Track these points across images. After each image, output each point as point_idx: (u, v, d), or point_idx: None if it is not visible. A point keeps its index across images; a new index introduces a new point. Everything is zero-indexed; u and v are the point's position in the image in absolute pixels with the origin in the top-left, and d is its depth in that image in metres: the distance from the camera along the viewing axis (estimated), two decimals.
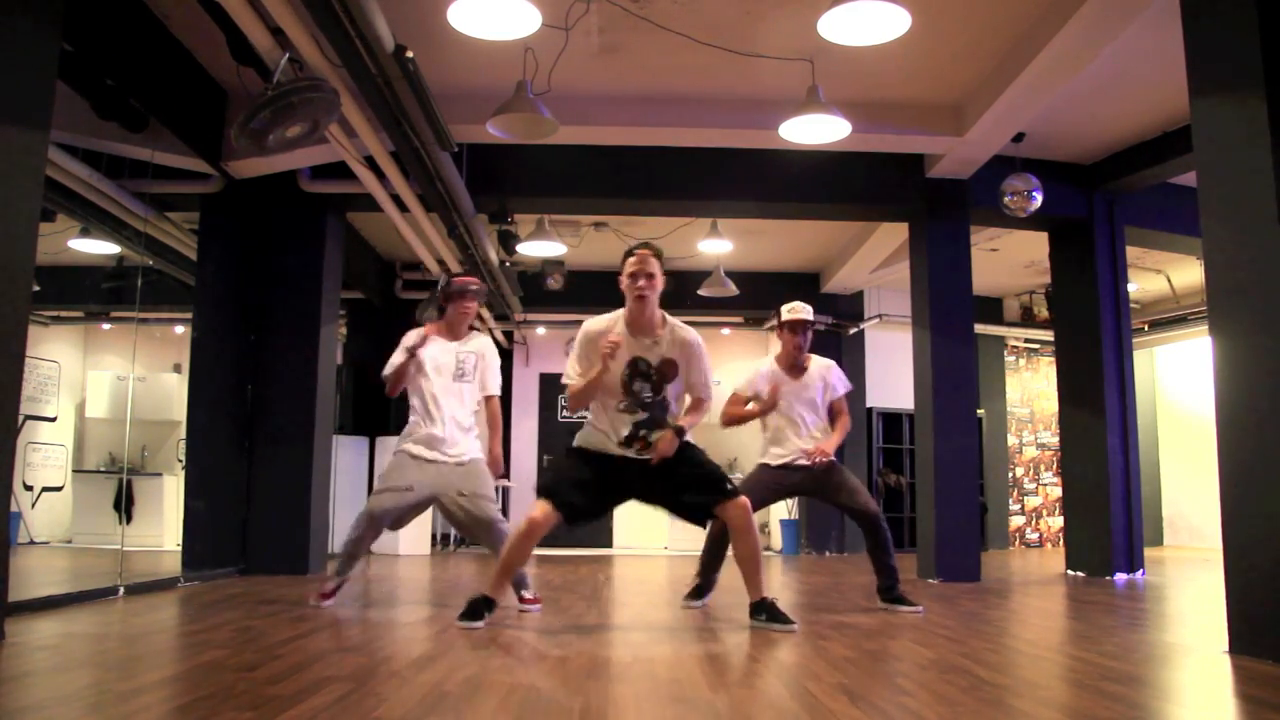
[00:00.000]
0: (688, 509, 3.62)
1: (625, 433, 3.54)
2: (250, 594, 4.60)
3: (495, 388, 4.28)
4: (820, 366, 4.53)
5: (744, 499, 3.57)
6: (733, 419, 4.50)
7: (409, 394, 4.21)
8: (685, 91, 5.51)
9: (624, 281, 3.53)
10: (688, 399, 3.71)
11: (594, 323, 3.61)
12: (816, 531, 9.31)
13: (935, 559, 6.09)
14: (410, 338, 4.16)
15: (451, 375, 4.17)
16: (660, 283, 3.54)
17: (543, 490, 3.55)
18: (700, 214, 7.09)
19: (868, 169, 6.33)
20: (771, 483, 4.43)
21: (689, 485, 3.57)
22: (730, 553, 3.81)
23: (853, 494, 4.36)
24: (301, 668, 2.59)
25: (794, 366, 4.48)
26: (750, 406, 4.51)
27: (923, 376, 6.40)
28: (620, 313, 3.59)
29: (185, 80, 5.01)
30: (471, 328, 4.37)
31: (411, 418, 4.19)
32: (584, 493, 3.54)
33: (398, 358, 4.13)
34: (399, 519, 4.17)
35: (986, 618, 4.11)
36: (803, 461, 4.35)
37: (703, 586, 4.45)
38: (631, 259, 3.54)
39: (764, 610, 3.58)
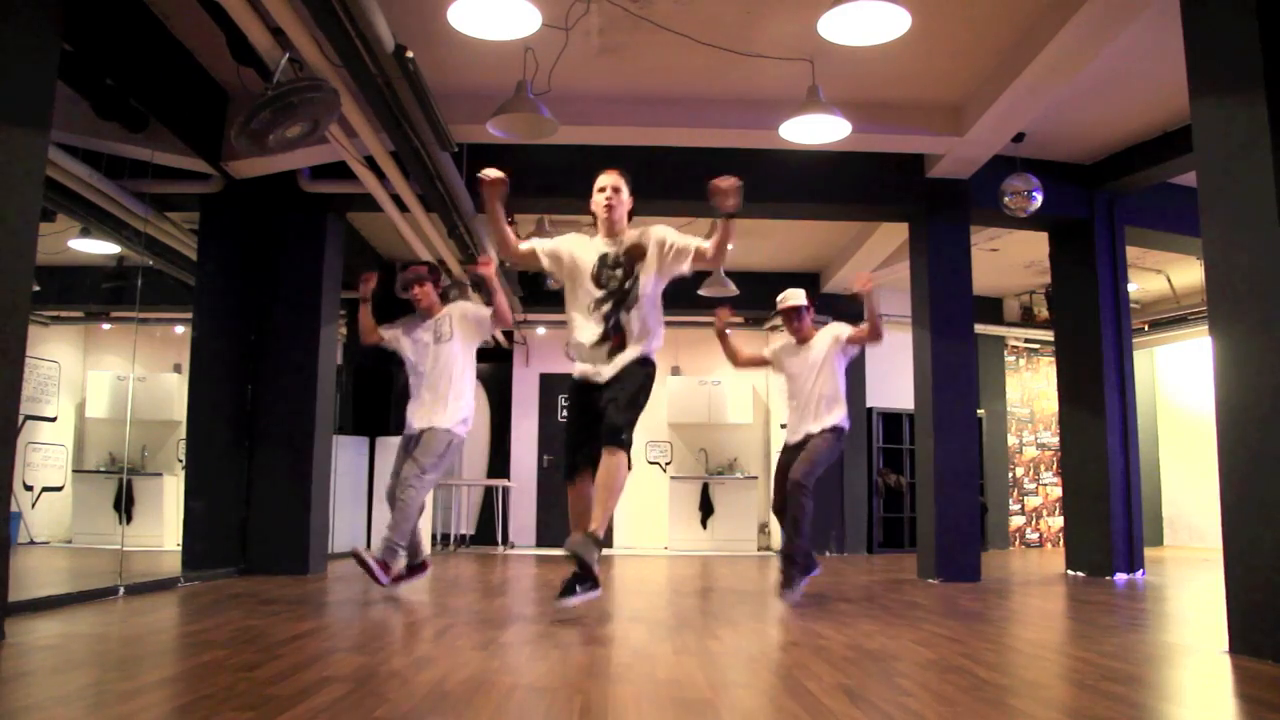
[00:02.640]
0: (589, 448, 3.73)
1: (599, 330, 3.64)
2: (250, 594, 4.60)
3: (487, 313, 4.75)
4: (826, 330, 4.89)
5: (619, 455, 3.55)
6: (742, 361, 5.06)
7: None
8: (685, 91, 5.51)
9: (594, 196, 3.78)
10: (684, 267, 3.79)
11: (569, 235, 3.88)
12: (816, 531, 9.28)
13: (935, 559, 6.09)
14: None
15: (432, 341, 4.71)
16: (627, 199, 3.78)
17: (563, 477, 3.85)
18: (700, 214, 7.08)
19: (868, 169, 6.33)
20: (790, 464, 4.75)
21: (604, 413, 3.64)
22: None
23: (799, 462, 4.65)
24: (301, 668, 2.59)
25: (800, 339, 4.90)
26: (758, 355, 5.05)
27: (923, 376, 6.40)
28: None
29: (185, 80, 5.01)
30: (447, 300, 4.98)
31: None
32: (583, 440, 3.70)
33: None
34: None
35: (986, 618, 4.11)
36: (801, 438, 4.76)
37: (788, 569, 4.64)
38: (601, 175, 3.80)
39: (586, 539, 3.58)
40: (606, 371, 3.67)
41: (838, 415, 4.72)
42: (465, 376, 4.71)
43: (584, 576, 3.56)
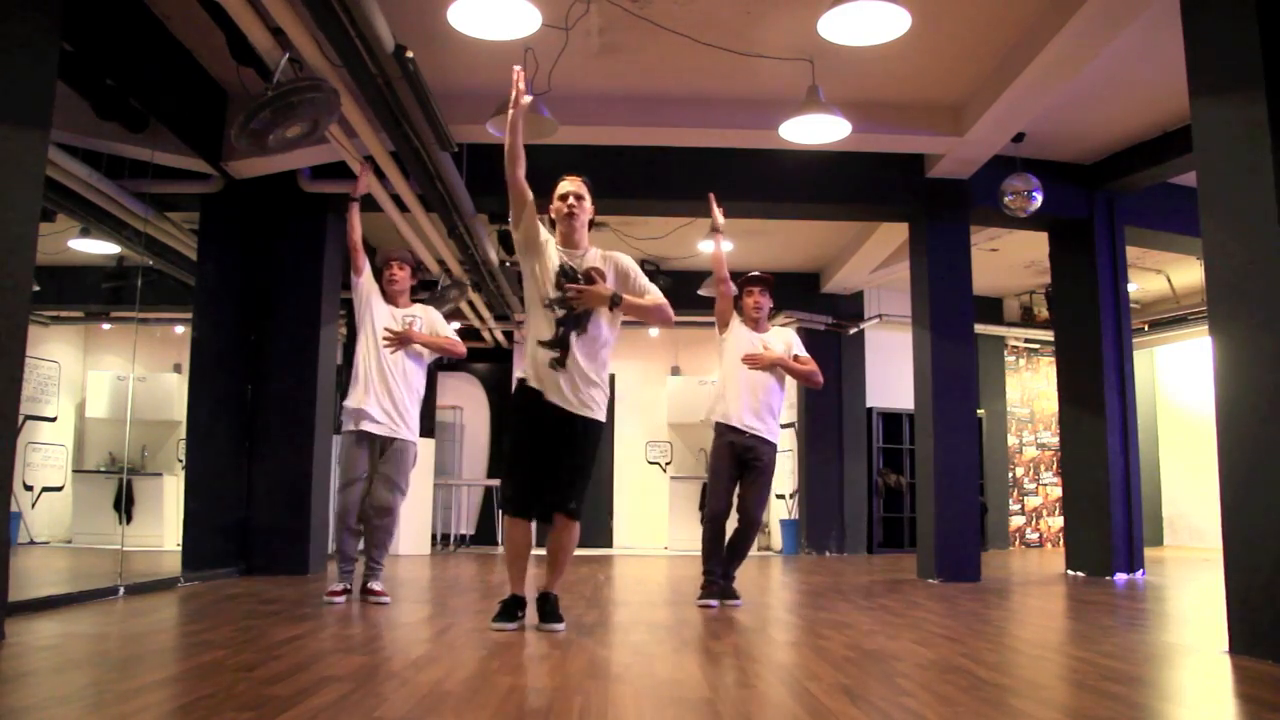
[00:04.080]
0: (540, 495, 3.58)
1: (550, 334, 3.50)
2: (250, 594, 4.60)
3: (449, 332, 4.60)
4: (782, 332, 4.80)
5: (575, 527, 3.57)
6: (724, 304, 4.82)
7: (354, 358, 4.52)
8: (685, 91, 5.50)
9: (554, 203, 3.67)
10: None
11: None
12: (816, 531, 9.31)
13: (935, 559, 6.09)
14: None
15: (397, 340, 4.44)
16: (588, 207, 3.67)
17: (505, 506, 3.63)
18: (701, 214, 7.08)
19: (868, 169, 6.33)
20: (729, 450, 4.55)
21: (555, 476, 3.52)
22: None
23: (750, 494, 4.57)
24: (301, 668, 2.59)
25: (757, 326, 4.77)
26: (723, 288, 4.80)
27: (923, 376, 6.40)
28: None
29: (185, 80, 5.01)
30: (416, 300, 4.79)
31: (352, 384, 4.46)
32: (530, 477, 3.54)
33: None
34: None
35: (986, 618, 4.11)
36: (741, 425, 4.52)
37: (712, 584, 4.54)
38: (563, 182, 3.69)
39: (543, 602, 3.63)
40: (557, 397, 3.48)
41: (777, 429, 4.63)
42: (422, 388, 4.53)
43: (559, 617, 3.59)
